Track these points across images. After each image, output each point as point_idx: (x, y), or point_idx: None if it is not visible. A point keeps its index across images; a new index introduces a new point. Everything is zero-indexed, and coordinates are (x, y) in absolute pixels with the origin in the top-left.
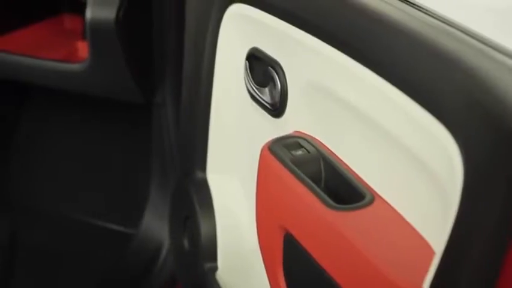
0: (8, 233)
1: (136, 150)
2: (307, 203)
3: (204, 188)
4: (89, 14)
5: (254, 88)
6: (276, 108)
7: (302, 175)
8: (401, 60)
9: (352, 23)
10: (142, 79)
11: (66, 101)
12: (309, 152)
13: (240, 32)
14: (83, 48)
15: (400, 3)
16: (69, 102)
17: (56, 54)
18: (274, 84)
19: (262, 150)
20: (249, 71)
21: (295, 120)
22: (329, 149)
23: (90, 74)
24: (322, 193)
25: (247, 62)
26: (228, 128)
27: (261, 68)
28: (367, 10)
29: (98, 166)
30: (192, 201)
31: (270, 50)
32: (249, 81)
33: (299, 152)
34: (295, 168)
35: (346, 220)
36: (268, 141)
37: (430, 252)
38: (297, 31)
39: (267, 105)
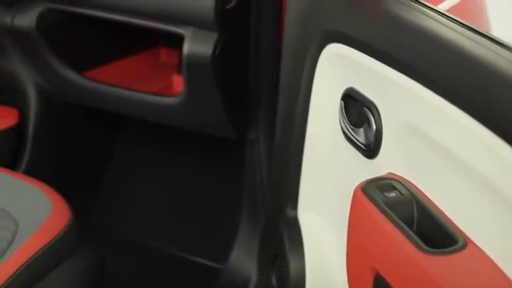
0: (95, 260)
1: (227, 185)
2: (399, 245)
3: (294, 226)
4: (186, 48)
5: (349, 128)
6: (370, 149)
7: (395, 217)
8: (499, 104)
9: (450, 67)
10: (236, 115)
11: (160, 133)
12: (402, 194)
13: (336, 71)
14: (178, 82)
15: (501, 49)
16: (163, 135)
17: (151, 87)
18: (369, 125)
19: (355, 191)
20: (344, 111)
21: (389, 161)
22: (422, 192)
23: (185, 108)
24: (414, 236)
25: (342, 101)
26: (320, 167)
27: (357, 108)
28: (466, 55)
29: (188, 199)
30: (282, 238)
31: (366, 90)
32: (343, 121)
33: (392, 194)
34: (388, 210)
35: (439, 264)
36: (362, 182)
37: None
38: (394, 72)
39: (361, 145)
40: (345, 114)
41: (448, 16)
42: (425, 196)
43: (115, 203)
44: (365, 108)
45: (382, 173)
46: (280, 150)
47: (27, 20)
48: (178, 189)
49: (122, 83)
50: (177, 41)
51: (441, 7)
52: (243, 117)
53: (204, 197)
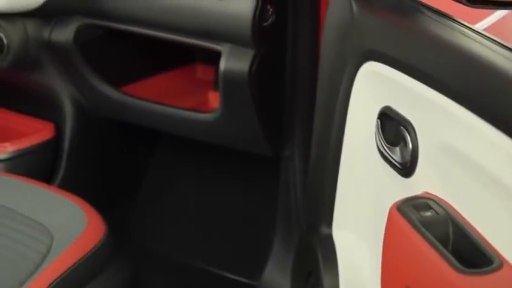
0: (129, 274)
1: (262, 201)
2: (434, 264)
3: (328, 244)
4: (223, 64)
5: (385, 147)
6: (406, 168)
7: (430, 236)
8: None
9: (488, 86)
10: (272, 132)
11: (195, 149)
12: (437, 213)
13: (373, 89)
14: (214, 98)
15: None
16: (198, 151)
17: (187, 102)
18: (405, 144)
19: (390, 210)
20: (380, 130)
21: (425, 181)
22: (457, 211)
23: (221, 124)
24: (450, 255)
25: (378, 120)
26: (356, 184)
27: (393, 127)
28: (503, 75)
29: (223, 215)
30: (316, 256)
31: (403, 109)
32: (379, 140)
33: (428, 213)
34: (424, 229)
35: (474, 284)
36: (397, 201)
37: None
38: (431, 91)
39: (397, 164)
40: (381, 132)
41: (486, 36)
42: (461, 215)
43: (149, 218)
44: (401, 127)
45: (417, 192)
46: (315, 167)
47: (64, 34)
48: (212, 205)
49: (158, 98)
50: (213, 57)
51: (479, 26)
52: (279, 134)
53: (238, 213)
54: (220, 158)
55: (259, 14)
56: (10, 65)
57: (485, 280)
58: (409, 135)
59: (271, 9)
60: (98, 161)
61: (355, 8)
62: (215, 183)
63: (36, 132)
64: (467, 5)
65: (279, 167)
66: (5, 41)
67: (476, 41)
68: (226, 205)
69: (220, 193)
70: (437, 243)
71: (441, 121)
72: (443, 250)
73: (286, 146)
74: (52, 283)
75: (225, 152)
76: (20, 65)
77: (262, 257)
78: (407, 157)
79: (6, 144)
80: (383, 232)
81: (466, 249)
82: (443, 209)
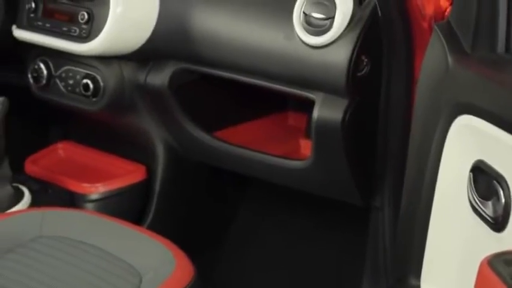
0: None
1: (349, 251)
2: None
3: None
4: (316, 113)
5: (477, 200)
6: (498, 223)
7: None
8: None
9: None
10: (363, 181)
11: (285, 196)
12: None
13: (467, 142)
14: (305, 146)
15: None
16: (287, 198)
17: (278, 149)
18: (498, 199)
19: (481, 264)
20: (472, 183)
21: None
22: None
23: (312, 172)
24: None
25: (471, 173)
26: (446, 237)
27: (486, 181)
28: None
29: (309, 264)
30: None
31: (497, 163)
32: (472, 193)
33: None
34: None
35: None
36: (488, 256)
37: None
38: None
39: (489, 218)
40: (473, 186)
41: None
42: None
43: (235, 264)
44: (494, 182)
45: (509, 247)
46: (405, 218)
47: (160, 78)
48: (299, 254)
49: (250, 144)
50: (305, 105)
51: None
52: (369, 183)
53: (325, 263)
54: (308, 206)
55: (354, 64)
56: (105, 107)
57: None
58: (502, 190)
59: (366, 60)
60: (187, 205)
61: (450, 61)
62: (302, 231)
63: (128, 174)
64: None
65: (368, 217)
66: (101, 84)
67: None
68: (314, 254)
69: (307, 242)
70: None
71: None
72: None
73: (376, 196)
74: None
75: (314, 200)
76: (115, 107)
77: None
78: (500, 212)
79: (98, 184)
80: (472, 287)
81: None
82: None
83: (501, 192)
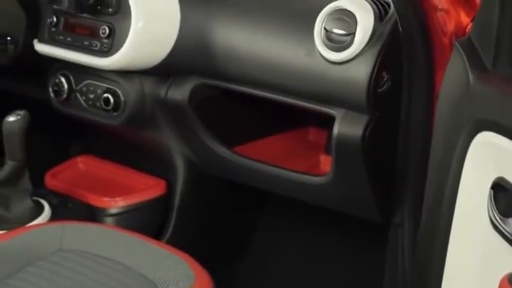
0: None
1: (368, 267)
2: None
3: None
4: (336, 129)
5: (497, 217)
6: None
7: None
8: None
9: None
10: (382, 198)
11: (304, 211)
12: None
13: (487, 159)
14: (325, 162)
15: None
16: (307, 213)
17: (298, 165)
18: None
19: (501, 281)
20: (493, 200)
21: None
22: None
23: (331, 188)
24: None
25: (492, 190)
26: (466, 254)
27: (506, 197)
28: None
29: (328, 280)
30: None
31: None
32: (492, 210)
33: None
34: None
35: None
36: (509, 273)
37: None
38: None
39: (509, 235)
40: (493, 203)
41: None
42: None
43: (254, 278)
44: None
45: None
46: (425, 235)
47: (180, 93)
48: (318, 270)
49: (270, 159)
50: (325, 121)
51: None
52: (389, 200)
53: (344, 278)
54: (328, 222)
55: (374, 80)
56: (126, 122)
57: None
58: None
59: (386, 76)
60: (207, 219)
61: (471, 77)
62: (322, 247)
63: (148, 188)
64: None
65: (387, 233)
66: (122, 98)
67: None
68: (332, 271)
69: (326, 258)
70: None
71: None
72: None
73: (395, 213)
74: None
75: (333, 216)
76: (135, 121)
77: None
78: None
79: (118, 198)
80: None
81: None
82: None
83: None
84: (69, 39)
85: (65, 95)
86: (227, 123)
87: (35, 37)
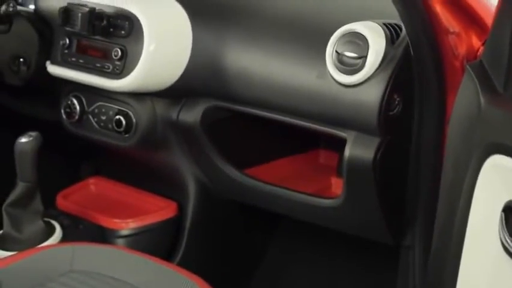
0: None
1: None
2: None
3: None
4: (347, 152)
5: (508, 241)
6: None
7: None
8: None
9: None
10: (394, 220)
11: (314, 234)
12: None
13: (498, 183)
14: (336, 184)
15: None
16: (317, 236)
17: (309, 187)
18: None
19: None
20: (504, 224)
21: None
22: None
23: (343, 210)
24: None
25: (503, 213)
26: (477, 277)
27: None
28: None
29: None
30: None
31: None
32: (503, 234)
33: None
34: None
35: None
36: None
37: None
38: None
39: None
40: (505, 226)
41: None
42: None
43: None
44: None
45: None
46: (436, 257)
47: (192, 115)
48: None
49: (281, 182)
50: (336, 143)
51: None
52: (400, 222)
53: None
54: (338, 245)
55: (386, 103)
56: (137, 144)
57: None
58: None
59: (398, 99)
60: (218, 241)
61: (482, 100)
62: (332, 270)
63: (159, 210)
64: None
65: (398, 256)
66: (134, 120)
67: None
68: None
69: (336, 280)
70: None
71: None
72: None
73: (406, 235)
74: None
75: (344, 238)
76: (147, 143)
77: None
78: None
79: (129, 220)
80: None
81: None
82: None
83: None
84: (81, 61)
85: (77, 117)
86: (238, 145)
87: (48, 59)
